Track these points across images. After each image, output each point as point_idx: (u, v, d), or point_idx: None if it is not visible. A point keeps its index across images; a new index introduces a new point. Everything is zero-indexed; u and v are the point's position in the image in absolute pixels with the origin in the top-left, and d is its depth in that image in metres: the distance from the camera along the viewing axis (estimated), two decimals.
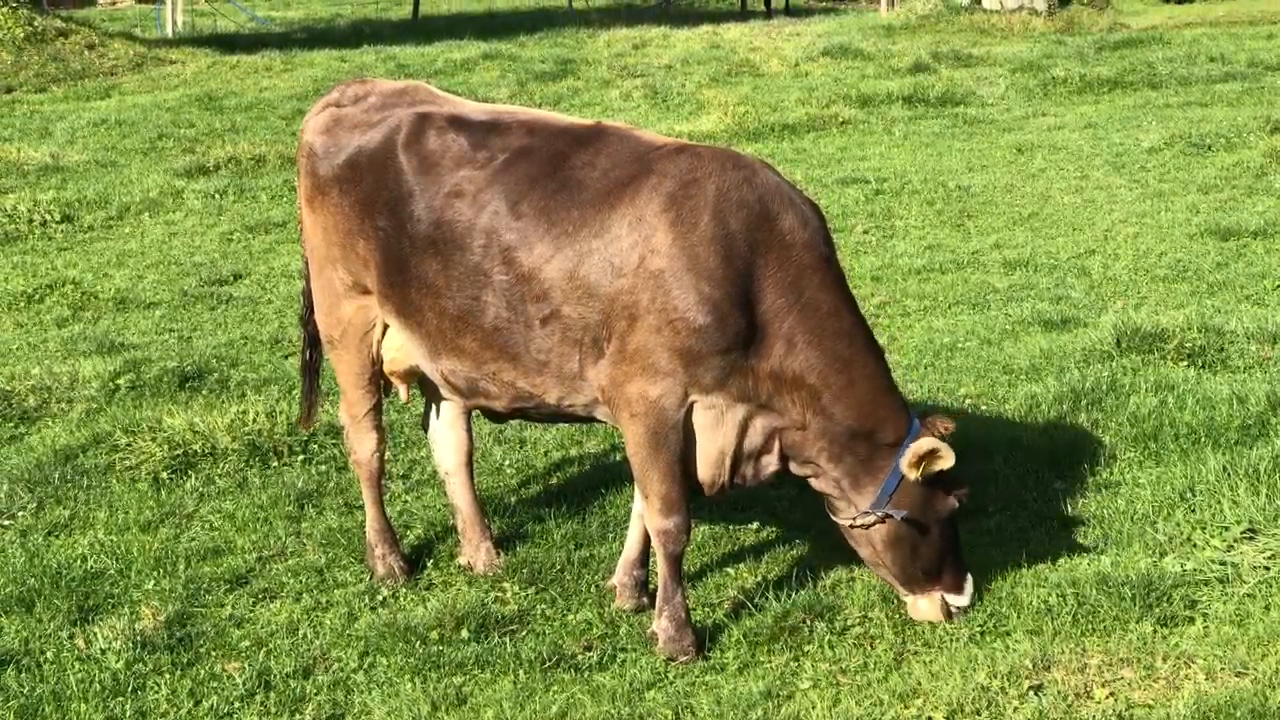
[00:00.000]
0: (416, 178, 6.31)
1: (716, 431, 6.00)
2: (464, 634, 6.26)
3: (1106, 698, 5.53)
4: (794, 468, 6.17)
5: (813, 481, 6.20)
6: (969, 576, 6.21)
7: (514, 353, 6.14)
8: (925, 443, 5.90)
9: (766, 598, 6.42)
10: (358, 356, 6.75)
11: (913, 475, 5.94)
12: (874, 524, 6.07)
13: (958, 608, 6.19)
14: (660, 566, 6.16)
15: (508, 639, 6.24)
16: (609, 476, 7.82)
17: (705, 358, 5.80)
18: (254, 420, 8.45)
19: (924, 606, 6.20)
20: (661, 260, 5.79)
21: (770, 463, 6.12)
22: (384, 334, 6.67)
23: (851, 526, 6.15)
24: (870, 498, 6.05)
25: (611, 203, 5.94)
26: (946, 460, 5.88)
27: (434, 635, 6.25)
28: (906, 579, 6.17)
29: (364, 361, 6.75)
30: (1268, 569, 6.33)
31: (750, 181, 5.93)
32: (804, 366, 5.86)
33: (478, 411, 6.73)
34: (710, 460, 6.06)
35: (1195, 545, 6.58)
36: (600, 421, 6.34)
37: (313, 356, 7.27)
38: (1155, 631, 6.01)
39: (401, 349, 6.62)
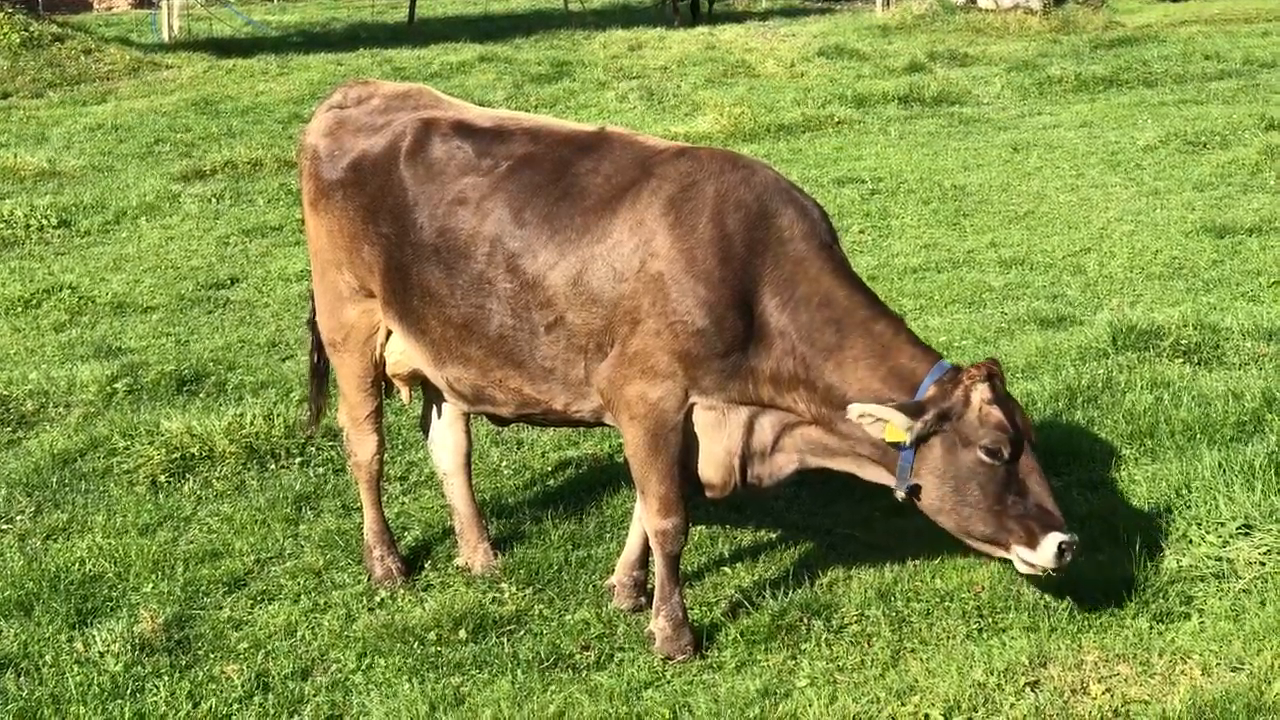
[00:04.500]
0: (421, 185, 6.31)
1: (720, 432, 5.99)
2: (462, 634, 6.26)
3: (1103, 694, 5.53)
4: (826, 463, 6.02)
5: (857, 474, 6.01)
6: (1050, 532, 5.66)
7: (519, 360, 6.15)
8: (854, 409, 5.63)
9: (763, 596, 6.43)
10: (360, 360, 6.76)
11: (885, 438, 5.68)
12: (907, 498, 5.86)
13: (1027, 564, 5.74)
14: (658, 566, 6.16)
15: (505, 639, 6.25)
16: (606, 477, 7.83)
17: (704, 360, 5.80)
18: (251, 423, 8.46)
19: (1015, 563, 5.82)
20: (661, 264, 5.80)
21: (785, 461, 6.05)
22: (387, 337, 6.68)
23: (901, 502, 5.94)
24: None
25: (613, 208, 5.95)
26: (889, 419, 5.58)
27: (432, 636, 6.25)
28: (977, 540, 5.83)
29: (366, 365, 6.76)
30: (1263, 564, 6.33)
31: (748, 181, 5.92)
32: (798, 362, 5.83)
33: (483, 416, 6.73)
34: (717, 461, 6.05)
35: (1191, 541, 6.58)
36: (609, 427, 6.34)
37: (321, 360, 7.26)
38: (1151, 628, 6.02)
39: (405, 353, 6.63)
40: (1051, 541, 5.65)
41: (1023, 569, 5.80)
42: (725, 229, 5.81)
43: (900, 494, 5.85)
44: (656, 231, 5.83)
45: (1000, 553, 5.82)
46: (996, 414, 5.67)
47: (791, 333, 5.82)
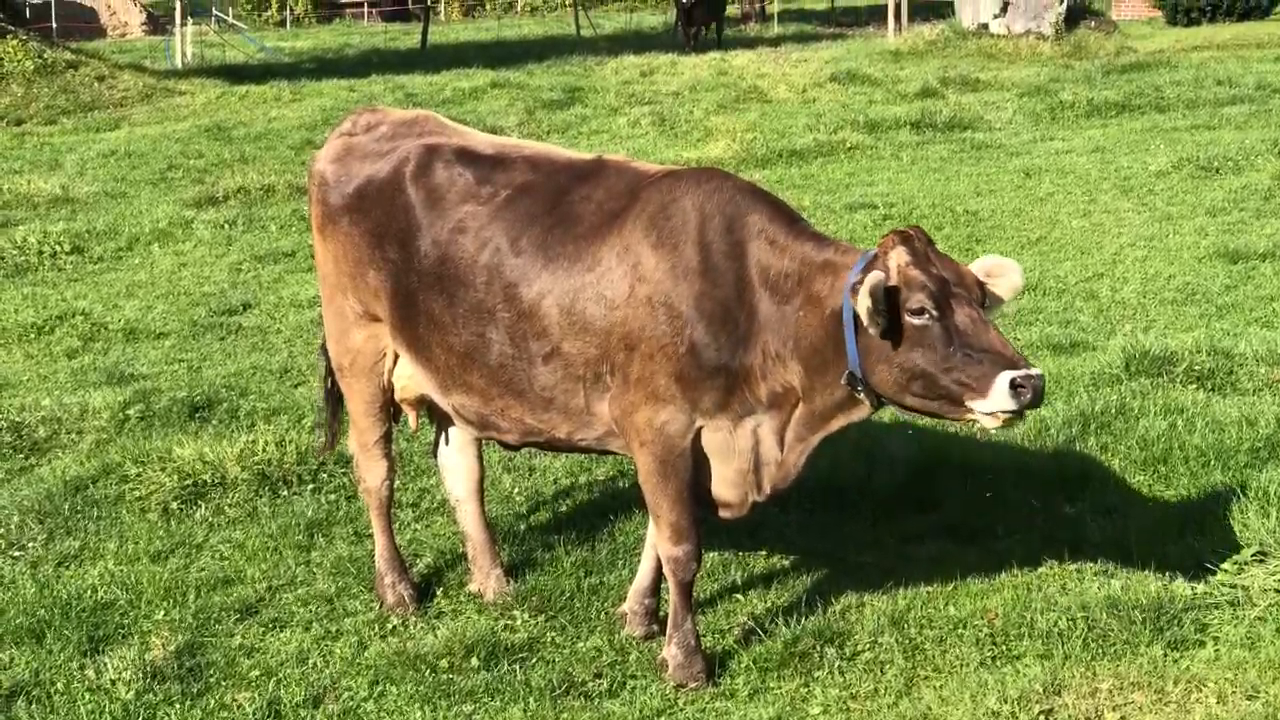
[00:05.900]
0: (423, 211, 6.33)
1: (730, 453, 5.97)
2: (474, 662, 6.25)
3: None
4: (823, 433, 5.91)
5: (849, 422, 5.87)
6: (999, 372, 5.34)
7: (519, 389, 6.15)
8: (869, 279, 5.38)
9: (776, 623, 6.41)
10: (368, 384, 6.76)
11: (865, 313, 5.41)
12: (874, 399, 5.69)
13: (988, 414, 5.41)
14: (670, 593, 6.15)
15: (518, 667, 6.23)
16: (618, 503, 7.82)
17: (703, 380, 5.78)
18: (263, 450, 8.46)
19: (980, 419, 5.50)
20: (649, 287, 5.81)
21: (795, 457, 5.96)
22: (395, 362, 6.68)
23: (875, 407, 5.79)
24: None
25: (602, 235, 5.97)
26: (867, 287, 5.36)
27: (444, 664, 6.24)
28: (940, 410, 5.59)
29: (374, 389, 6.76)
30: (1278, 592, 6.31)
31: (721, 189, 5.92)
32: (781, 344, 5.76)
33: (492, 441, 6.72)
34: (732, 482, 6.04)
35: (1205, 568, 6.57)
36: (617, 454, 6.33)
37: (334, 385, 7.25)
38: (1166, 655, 5.99)
39: (413, 377, 6.64)
40: (1002, 381, 5.32)
41: (988, 423, 5.45)
42: (705, 241, 5.81)
43: (864, 398, 5.67)
44: (641, 256, 5.85)
45: (967, 414, 5.49)
46: (913, 273, 5.43)
47: (774, 317, 5.77)
